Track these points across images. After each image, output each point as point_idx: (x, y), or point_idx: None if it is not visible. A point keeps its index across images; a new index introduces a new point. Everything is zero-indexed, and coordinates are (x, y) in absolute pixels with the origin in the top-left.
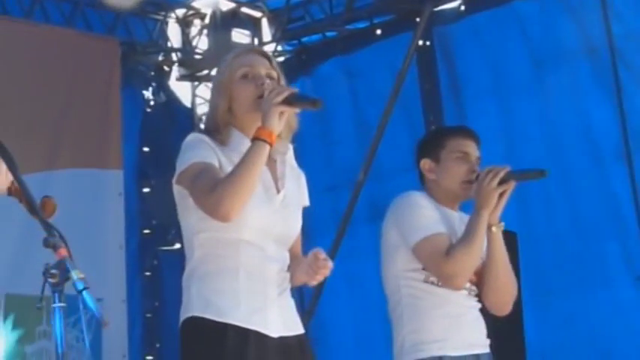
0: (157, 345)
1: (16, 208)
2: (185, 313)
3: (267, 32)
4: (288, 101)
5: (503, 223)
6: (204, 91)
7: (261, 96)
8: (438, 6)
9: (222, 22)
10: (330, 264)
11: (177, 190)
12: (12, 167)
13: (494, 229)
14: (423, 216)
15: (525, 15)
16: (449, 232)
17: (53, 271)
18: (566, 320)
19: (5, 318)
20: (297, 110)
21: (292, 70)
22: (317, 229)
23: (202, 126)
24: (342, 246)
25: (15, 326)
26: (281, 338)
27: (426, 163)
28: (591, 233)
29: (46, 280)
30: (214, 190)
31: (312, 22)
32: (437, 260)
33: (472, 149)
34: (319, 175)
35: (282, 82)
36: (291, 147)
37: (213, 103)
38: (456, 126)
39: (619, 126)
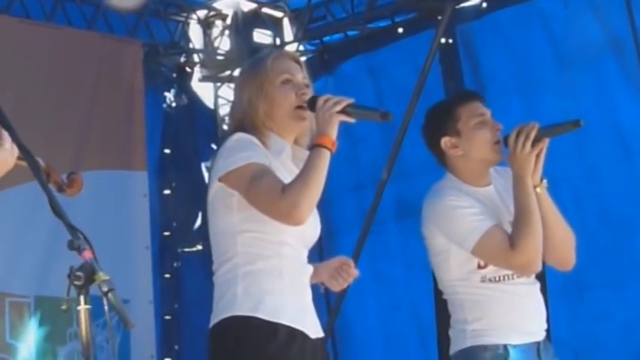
0: (176, 347)
1: (43, 212)
2: (225, 312)
3: (288, 32)
4: (347, 111)
5: (545, 181)
6: (227, 92)
7: (300, 106)
8: (459, 3)
9: (244, 23)
10: (356, 273)
11: (220, 187)
12: (34, 168)
13: (538, 189)
14: (465, 216)
15: (548, 12)
16: (494, 218)
17: (78, 273)
18: (597, 316)
19: (35, 319)
20: (354, 120)
21: (314, 69)
22: (343, 227)
23: (227, 125)
24: (368, 244)
25: (41, 324)
26: (316, 339)
27: (447, 142)
28: (622, 229)
29: (72, 283)
30: (286, 195)
31: (333, 22)
32: (504, 256)
33: (484, 109)
34: (344, 174)
35: (311, 88)
36: (306, 152)
37: (250, 102)
38: (457, 94)
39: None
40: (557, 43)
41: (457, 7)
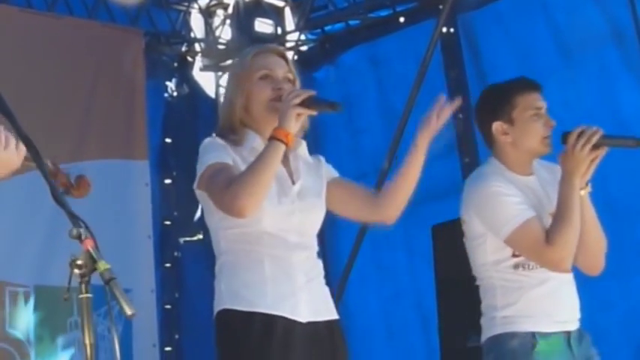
0: (177, 336)
1: (43, 201)
2: (217, 307)
3: (290, 21)
4: (306, 104)
5: (589, 187)
6: None
7: (277, 100)
8: None
9: (245, 12)
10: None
11: (199, 194)
12: (36, 157)
13: (582, 192)
14: (505, 204)
15: (550, 1)
16: (534, 208)
17: (79, 262)
18: (602, 306)
19: (34, 309)
20: (314, 113)
21: (316, 59)
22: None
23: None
24: (370, 233)
25: (41, 313)
26: (309, 323)
27: (499, 126)
28: (625, 218)
29: (73, 272)
30: (229, 188)
31: (335, 11)
32: (539, 250)
33: (541, 102)
34: (346, 164)
35: (298, 83)
36: (303, 142)
37: (229, 99)
38: (518, 80)
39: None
40: (558, 33)
41: None
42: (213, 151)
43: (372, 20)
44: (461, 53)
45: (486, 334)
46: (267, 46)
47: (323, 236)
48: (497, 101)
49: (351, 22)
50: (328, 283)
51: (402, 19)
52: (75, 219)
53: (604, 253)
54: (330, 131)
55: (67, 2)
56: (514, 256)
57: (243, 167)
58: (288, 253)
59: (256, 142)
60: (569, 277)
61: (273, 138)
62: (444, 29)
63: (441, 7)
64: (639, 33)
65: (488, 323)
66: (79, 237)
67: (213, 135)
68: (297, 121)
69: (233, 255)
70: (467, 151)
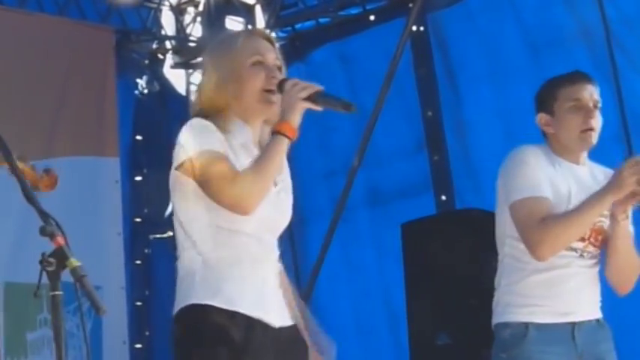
0: (147, 333)
1: (13, 198)
2: (185, 301)
3: (260, 19)
4: (313, 99)
5: (629, 218)
6: (199, 78)
7: (269, 90)
8: None
9: (216, 10)
10: None
11: (176, 176)
12: (6, 154)
13: (619, 218)
14: (527, 175)
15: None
16: (557, 192)
17: (50, 259)
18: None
19: (3, 306)
20: (320, 109)
21: (286, 56)
22: (314, 215)
23: (192, 105)
24: (339, 231)
25: (10, 310)
26: (280, 329)
27: (542, 118)
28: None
29: (43, 269)
30: (235, 184)
31: (305, 9)
32: (529, 224)
33: (585, 93)
34: (316, 162)
35: (284, 70)
36: None
37: (218, 82)
38: (570, 72)
39: (617, 109)
40: (527, 31)
41: None
42: (207, 137)
43: (342, 18)
44: (430, 51)
45: (492, 321)
46: (257, 30)
47: (292, 234)
48: (543, 93)
49: (322, 20)
50: (298, 280)
51: (372, 18)
52: (45, 216)
53: (636, 277)
54: (300, 129)
55: None
56: None
57: (232, 158)
58: (264, 254)
59: (246, 136)
60: (585, 269)
61: (278, 132)
62: (414, 27)
63: (410, 5)
64: (607, 31)
65: (494, 309)
66: (49, 234)
67: (193, 115)
68: (300, 115)
69: (209, 248)
70: (436, 149)
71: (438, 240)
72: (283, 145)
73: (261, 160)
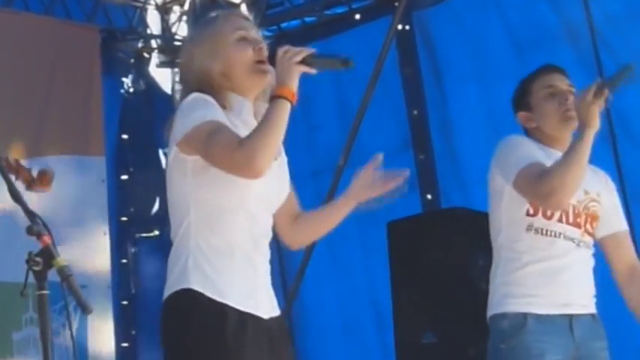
0: (133, 332)
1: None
2: (178, 284)
3: None
4: (307, 62)
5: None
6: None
7: (260, 60)
8: None
9: (202, 9)
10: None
11: (175, 153)
12: None
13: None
14: (519, 151)
15: None
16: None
17: (37, 258)
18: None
19: None
20: (314, 71)
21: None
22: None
23: (179, 92)
24: None
25: None
26: (270, 319)
27: (521, 116)
28: None
29: (30, 268)
30: (243, 147)
31: (291, 8)
32: (532, 184)
33: (557, 80)
34: (302, 160)
35: (265, 45)
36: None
37: (202, 65)
38: (538, 67)
39: (602, 109)
40: (512, 30)
41: None
42: (206, 108)
43: (328, 17)
44: (416, 50)
45: (488, 312)
46: (233, 9)
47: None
48: (517, 93)
49: (307, 19)
50: (284, 279)
51: (357, 16)
52: (32, 216)
53: None
54: (287, 127)
55: None
56: (528, 215)
57: (237, 130)
58: (257, 240)
59: (245, 108)
60: (582, 261)
61: (278, 96)
62: (400, 26)
63: (396, 4)
64: (592, 30)
65: (489, 299)
66: (36, 233)
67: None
68: (297, 80)
69: (204, 233)
70: (421, 148)
71: (424, 239)
72: (285, 108)
73: (264, 123)
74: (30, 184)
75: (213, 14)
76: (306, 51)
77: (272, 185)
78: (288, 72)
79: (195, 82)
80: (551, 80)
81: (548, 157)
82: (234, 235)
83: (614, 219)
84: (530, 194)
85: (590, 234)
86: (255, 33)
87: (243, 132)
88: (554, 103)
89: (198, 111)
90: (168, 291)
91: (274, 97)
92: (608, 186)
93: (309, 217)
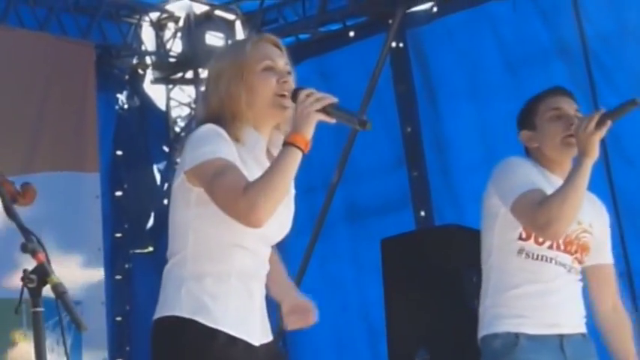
0: (127, 348)
1: None
2: (167, 311)
3: (241, 34)
4: (327, 111)
5: None
6: (179, 94)
7: (282, 95)
8: (410, 8)
9: (196, 25)
10: (313, 322)
11: (182, 180)
12: None
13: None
14: (520, 175)
15: (498, 17)
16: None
17: (31, 276)
18: None
19: None
20: (333, 121)
21: None
22: (293, 230)
23: (197, 112)
24: (320, 247)
25: None
26: (261, 346)
27: (524, 135)
28: None
29: (25, 285)
30: (247, 195)
31: (285, 25)
32: (530, 211)
33: (564, 103)
34: (296, 177)
35: (293, 76)
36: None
37: (230, 92)
38: (547, 88)
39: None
40: (506, 48)
41: (408, 11)
42: (219, 144)
43: (322, 34)
44: (410, 68)
45: (479, 332)
46: (265, 35)
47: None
48: (523, 112)
49: (302, 36)
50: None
51: (352, 34)
52: (27, 232)
53: None
54: None
55: (18, 14)
56: (521, 239)
57: (243, 169)
58: (256, 270)
59: (258, 145)
60: (573, 284)
61: (290, 144)
62: (394, 44)
63: (390, 22)
64: (585, 48)
65: (480, 321)
66: (31, 251)
67: (202, 122)
68: (313, 127)
69: (200, 260)
70: (415, 165)
71: (417, 256)
72: (296, 158)
73: (272, 172)
74: (14, 198)
75: (243, 38)
76: (328, 99)
77: (274, 225)
78: (307, 119)
79: (217, 104)
80: (559, 102)
81: (546, 180)
82: (230, 266)
83: (602, 250)
84: (527, 222)
85: (580, 262)
86: (284, 63)
87: (254, 168)
88: (559, 126)
89: (210, 145)
90: (159, 312)
91: (287, 144)
92: (603, 217)
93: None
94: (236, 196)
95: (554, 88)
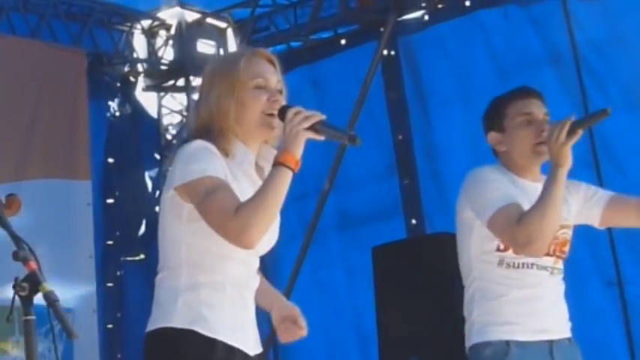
0: (119, 356)
1: None
2: (162, 323)
3: (232, 42)
4: (316, 128)
5: None
6: (170, 101)
7: (271, 114)
8: (401, 16)
9: (188, 33)
10: (304, 334)
11: (172, 196)
12: None
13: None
14: (494, 190)
15: (489, 24)
16: (523, 206)
17: (23, 284)
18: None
19: None
20: (322, 138)
21: None
22: (285, 237)
23: (194, 124)
24: (311, 254)
25: None
26: (255, 356)
27: (492, 137)
28: None
29: (16, 293)
30: (238, 216)
31: (277, 33)
32: (509, 229)
33: (535, 107)
34: None
35: (285, 94)
36: (274, 151)
37: (221, 106)
38: (516, 89)
39: (585, 133)
40: (497, 56)
41: (399, 19)
42: (210, 162)
43: (313, 42)
44: (401, 75)
45: (467, 343)
46: (258, 50)
47: (263, 257)
48: (491, 112)
49: (293, 44)
50: None
51: (343, 42)
52: (18, 241)
53: None
54: None
55: (9, 21)
56: (499, 250)
57: (233, 184)
58: (247, 281)
59: (247, 160)
60: (556, 287)
61: (281, 164)
62: (385, 52)
63: (382, 29)
64: (576, 56)
65: (467, 331)
66: (22, 259)
67: (191, 134)
68: (303, 145)
69: (195, 271)
70: (406, 173)
71: (408, 264)
72: (286, 177)
73: (263, 192)
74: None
75: (238, 52)
76: (316, 117)
77: (263, 237)
78: (295, 138)
79: (207, 116)
80: (529, 107)
81: (517, 188)
82: (224, 276)
83: (596, 197)
84: (506, 241)
85: (561, 257)
86: (276, 81)
87: (243, 182)
88: (529, 133)
89: (200, 162)
90: (153, 324)
91: (277, 164)
92: (570, 193)
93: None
94: (228, 218)
95: (522, 89)
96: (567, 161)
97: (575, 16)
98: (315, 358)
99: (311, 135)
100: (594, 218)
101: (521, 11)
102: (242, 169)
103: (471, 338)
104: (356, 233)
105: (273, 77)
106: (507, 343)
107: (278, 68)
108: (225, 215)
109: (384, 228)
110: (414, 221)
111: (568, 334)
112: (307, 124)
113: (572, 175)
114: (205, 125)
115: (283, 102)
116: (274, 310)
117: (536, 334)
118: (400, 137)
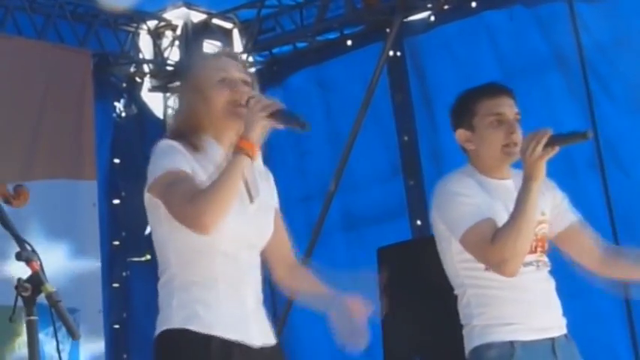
0: (125, 356)
1: None
2: (161, 326)
3: (238, 43)
4: (274, 116)
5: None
6: (176, 102)
7: (235, 102)
8: (408, 17)
9: (194, 34)
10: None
11: (148, 198)
12: None
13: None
14: (462, 204)
15: (495, 26)
16: (495, 214)
17: (26, 284)
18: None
19: None
20: (281, 126)
21: (263, 80)
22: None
23: (170, 128)
24: (316, 255)
25: None
26: (262, 349)
27: (461, 134)
28: None
29: (19, 294)
30: (193, 202)
31: (282, 33)
32: (483, 249)
33: (506, 107)
34: (292, 186)
35: (256, 85)
36: (259, 152)
37: (190, 106)
38: (485, 85)
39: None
40: (503, 57)
41: (405, 20)
42: (171, 156)
43: (319, 43)
44: (407, 76)
45: (467, 347)
46: (222, 50)
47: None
48: (460, 108)
49: (299, 45)
50: (274, 306)
51: (349, 43)
52: (21, 241)
53: None
54: (277, 153)
55: (15, 22)
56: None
57: (202, 176)
58: (240, 274)
59: (217, 153)
60: (546, 283)
61: (238, 150)
62: (391, 53)
63: (388, 30)
64: (582, 58)
65: (467, 335)
66: (25, 260)
67: (167, 137)
68: (262, 133)
69: (184, 270)
70: (412, 174)
71: (413, 265)
72: (241, 162)
73: (218, 179)
74: (7, 200)
75: (205, 55)
76: (274, 105)
77: (249, 226)
78: (253, 124)
79: (181, 121)
80: (500, 106)
81: (486, 189)
82: (214, 272)
83: (564, 214)
84: (479, 259)
85: (543, 251)
86: (239, 74)
87: (215, 175)
88: (500, 134)
89: (163, 159)
90: (157, 328)
91: (235, 150)
92: (551, 191)
93: (308, 284)
94: (185, 204)
95: (492, 85)
96: (541, 174)
97: (581, 18)
98: (320, 359)
99: (269, 122)
100: (552, 232)
101: (527, 13)
102: (214, 162)
103: (473, 341)
104: (361, 234)
105: (234, 69)
106: (512, 343)
107: (241, 63)
108: (183, 202)
109: (390, 229)
110: (419, 222)
111: (565, 330)
112: (265, 113)
113: (577, 176)
114: (181, 127)
115: (251, 93)
116: (330, 312)
117: (538, 333)
118: (406, 138)
